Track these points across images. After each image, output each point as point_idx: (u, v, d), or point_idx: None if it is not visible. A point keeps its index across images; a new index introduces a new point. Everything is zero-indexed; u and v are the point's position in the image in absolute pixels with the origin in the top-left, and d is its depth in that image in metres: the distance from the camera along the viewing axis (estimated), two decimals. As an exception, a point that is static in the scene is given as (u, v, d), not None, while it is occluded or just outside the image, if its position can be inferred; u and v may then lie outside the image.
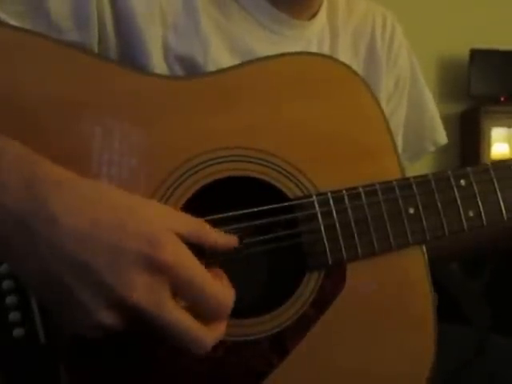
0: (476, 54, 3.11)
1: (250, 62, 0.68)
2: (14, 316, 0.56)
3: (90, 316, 0.49)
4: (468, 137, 3.15)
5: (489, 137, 3.01)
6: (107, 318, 0.49)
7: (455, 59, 3.22)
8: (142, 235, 0.50)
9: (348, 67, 0.70)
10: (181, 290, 0.51)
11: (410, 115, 0.94)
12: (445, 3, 3.08)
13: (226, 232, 0.59)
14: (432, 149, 0.97)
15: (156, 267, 0.49)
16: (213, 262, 0.57)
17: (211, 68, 0.72)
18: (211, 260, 0.57)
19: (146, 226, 0.50)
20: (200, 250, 0.55)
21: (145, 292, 0.49)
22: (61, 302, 0.50)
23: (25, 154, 0.52)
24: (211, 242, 0.56)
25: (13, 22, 0.64)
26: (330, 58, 0.73)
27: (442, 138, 0.97)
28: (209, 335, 0.52)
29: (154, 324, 0.50)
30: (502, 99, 3.10)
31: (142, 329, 0.52)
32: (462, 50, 3.13)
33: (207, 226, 0.56)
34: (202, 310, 0.52)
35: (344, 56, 0.82)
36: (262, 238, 0.63)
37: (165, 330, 0.50)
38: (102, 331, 0.51)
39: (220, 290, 0.53)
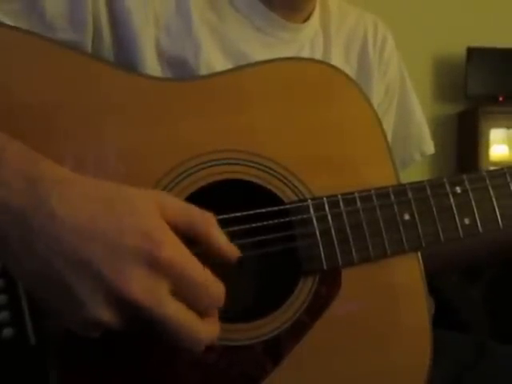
0: (473, 53, 3.07)
1: (248, 65, 0.68)
2: (3, 316, 0.55)
3: (87, 312, 0.49)
4: (466, 138, 3.11)
5: (487, 138, 2.97)
6: (105, 314, 0.49)
7: (452, 58, 3.19)
8: (140, 231, 0.50)
9: (345, 74, 0.70)
10: (178, 285, 0.50)
11: (398, 124, 0.94)
12: (441, 0, 3.06)
13: None
14: (419, 158, 0.97)
15: (154, 264, 0.49)
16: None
17: (203, 70, 0.72)
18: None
19: (143, 221, 0.50)
20: (189, 239, 0.54)
21: (142, 286, 0.49)
22: (57, 298, 0.50)
23: (26, 152, 0.52)
24: (211, 244, 0.54)
25: (8, 21, 0.64)
26: (326, 64, 0.73)
27: (429, 147, 0.97)
28: (204, 329, 0.52)
29: (151, 319, 0.50)
30: (501, 99, 3.07)
31: (138, 327, 0.51)
32: (458, 49, 3.10)
33: (210, 225, 0.54)
34: (196, 306, 0.51)
35: (337, 62, 0.82)
36: (255, 240, 0.62)
37: (161, 325, 0.50)
38: (98, 329, 0.51)
39: (214, 283, 0.52)
